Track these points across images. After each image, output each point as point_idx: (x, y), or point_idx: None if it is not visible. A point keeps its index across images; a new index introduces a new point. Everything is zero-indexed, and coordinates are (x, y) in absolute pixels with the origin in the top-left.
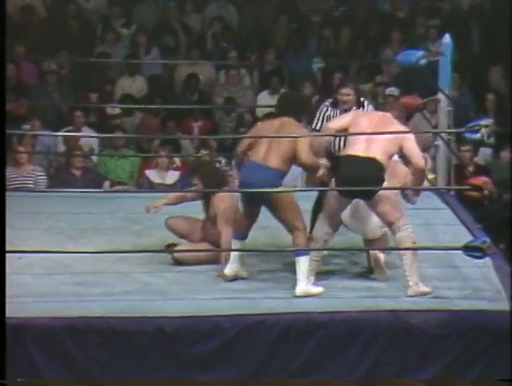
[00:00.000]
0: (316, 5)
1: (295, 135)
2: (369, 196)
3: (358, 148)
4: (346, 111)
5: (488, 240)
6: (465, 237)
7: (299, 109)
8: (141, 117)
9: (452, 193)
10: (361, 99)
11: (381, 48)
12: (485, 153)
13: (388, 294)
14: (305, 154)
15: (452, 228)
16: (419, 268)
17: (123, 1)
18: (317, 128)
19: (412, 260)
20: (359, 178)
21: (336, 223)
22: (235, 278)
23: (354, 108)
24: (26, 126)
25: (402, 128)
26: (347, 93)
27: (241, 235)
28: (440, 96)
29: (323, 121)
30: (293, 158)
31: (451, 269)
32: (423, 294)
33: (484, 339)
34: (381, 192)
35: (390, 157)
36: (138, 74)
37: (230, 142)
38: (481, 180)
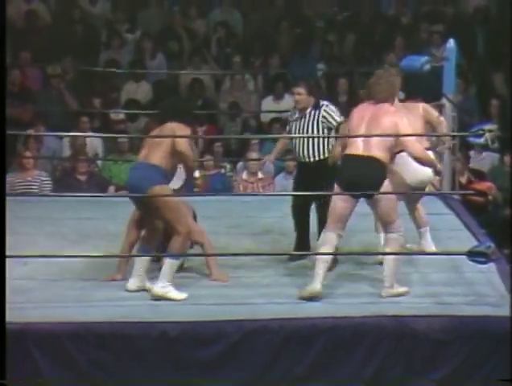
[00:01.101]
0: (320, 10)
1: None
2: (369, 195)
3: (357, 146)
4: (301, 111)
5: (492, 245)
6: (470, 242)
7: (180, 115)
8: (145, 122)
9: (457, 198)
10: (321, 102)
11: (385, 53)
12: (492, 157)
13: (392, 300)
14: (184, 145)
15: (457, 233)
16: (424, 274)
17: (127, 6)
18: (288, 129)
19: (393, 263)
20: (359, 178)
21: (344, 225)
22: (139, 290)
23: (309, 109)
24: (31, 131)
25: (396, 117)
26: (298, 92)
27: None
28: (444, 101)
29: (287, 123)
30: (174, 155)
31: (455, 274)
32: (399, 295)
33: (488, 345)
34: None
35: (390, 149)
36: (143, 79)
37: (235, 147)
38: (485, 185)
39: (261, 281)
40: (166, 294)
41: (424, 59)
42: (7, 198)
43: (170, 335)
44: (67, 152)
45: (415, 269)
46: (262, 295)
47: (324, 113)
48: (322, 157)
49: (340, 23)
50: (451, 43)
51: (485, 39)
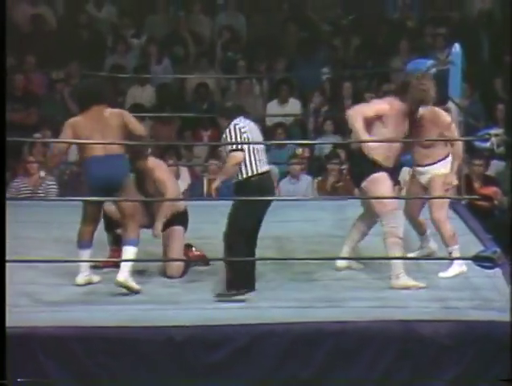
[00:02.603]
0: (325, 13)
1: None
2: (357, 184)
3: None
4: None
5: (498, 250)
6: (476, 247)
7: (98, 95)
8: (150, 126)
9: (463, 202)
10: (233, 122)
11: (390, 57)
12: (498, 163)
13: (398, 304)
14: (137, 124)
15: (463, 238)
16: (431, 279)
17: (133, 11)
18: None
19: (394, 253)
20: (353, 170)
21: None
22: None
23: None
24: (37, 135)
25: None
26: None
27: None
28: (450, 105)
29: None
30: (127, 134)
31: (461, 279)
32: (407, 288)
33: (494, 350)
34: (368, 180)
35: (371, 121)
36: (148, 83)
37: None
38: (491, 190)
39: (267, 285)
40: (125, 284)
41: (430, 62)
42: (12, 202)
43: (176, 340)
44: (73, 156)
45: (422, 275)
46: (268, 299)
47: (226, 134)
48: (245, 176)
49: (345, 27)
50: (456, 47)
51: (489, 43)
